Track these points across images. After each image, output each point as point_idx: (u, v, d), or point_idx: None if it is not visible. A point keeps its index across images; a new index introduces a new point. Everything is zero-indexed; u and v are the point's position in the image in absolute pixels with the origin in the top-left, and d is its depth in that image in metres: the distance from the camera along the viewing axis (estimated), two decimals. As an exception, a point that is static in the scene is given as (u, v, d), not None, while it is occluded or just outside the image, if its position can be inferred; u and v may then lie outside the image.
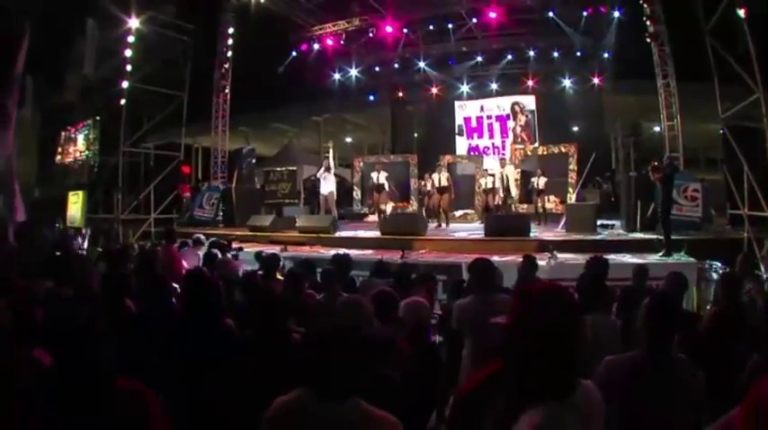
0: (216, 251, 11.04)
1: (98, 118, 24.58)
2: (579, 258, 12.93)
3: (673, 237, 13.54)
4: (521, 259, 12.88)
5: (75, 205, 23.14)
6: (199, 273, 6.10)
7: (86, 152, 25.26)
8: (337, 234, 18.44)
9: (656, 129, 25.68)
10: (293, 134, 35.15)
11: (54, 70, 22.79)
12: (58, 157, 27.38)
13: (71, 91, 24.75)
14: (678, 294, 6.96)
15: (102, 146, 24.42)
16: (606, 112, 27.23)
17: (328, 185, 20.51)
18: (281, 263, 10.73)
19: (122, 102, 22.03)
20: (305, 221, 19.27)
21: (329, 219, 18.96)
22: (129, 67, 21.96)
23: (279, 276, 9.82)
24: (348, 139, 39.17)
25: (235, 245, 15.27)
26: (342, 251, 12.94)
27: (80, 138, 25.66)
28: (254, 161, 25.53)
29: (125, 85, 21.92)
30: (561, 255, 13.43)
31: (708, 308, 9.28)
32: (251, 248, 15.94)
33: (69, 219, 22.78)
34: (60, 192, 24.75)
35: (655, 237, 14.20)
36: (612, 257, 12.53)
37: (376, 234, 17.70)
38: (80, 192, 23.36)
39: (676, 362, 3.98)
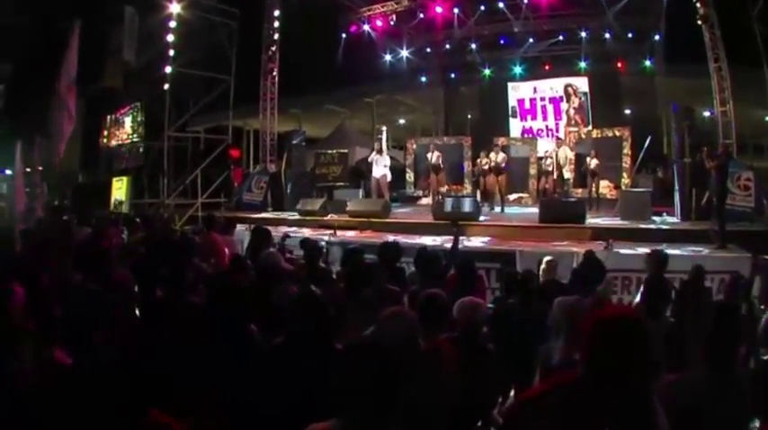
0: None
1: (141, 103, 24.74)
2: (636, 249, 12.94)
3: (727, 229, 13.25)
4: (575, 248, 13.22)
5: (120, 190, 23.47)
6: (223, 280, 6.12)
7: (133, 136, 25.40)
8: (389, 219, 18.16)
9: (706, 114, 25.30)
10: (346, 116, 34.68)
11: (95, 58, 22.78)
12: (104, 140, 27.54)
13: (113, 77, 24.80)
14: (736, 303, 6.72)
15: (147, 131, 24.50)
16: (658, 96, 26.63)
17: (380, 168, 20.35)
18: (324, 249, 10.83)
19: (165, 87, 22.13)
20: (356, 205, 19.00)
21: (381, 203, 18.77)
22: (171, 53, 22.12)
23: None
24: (401, 121, 38.66)
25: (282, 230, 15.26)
26: (393, 237, 12.96)
27: (127, 121, 25.83)
28: (303, 143, 25.24)
29: (168, 70, 22.07)
30: (616, 245, 13.23)
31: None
32: (298, 233, 15.71)
33: (114, 204, 22.95)
34: (105, 177, 25.31)
35: (709, 228, 13.89)
36: (666, 248, 12.37)
37: (429, 219, 17.53)
38: (125, 178, 23.71)
39: (740, 381, 3.84)
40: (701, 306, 8.33)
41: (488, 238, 15.41)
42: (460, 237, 13.07)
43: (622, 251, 12.95)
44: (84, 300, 5.12)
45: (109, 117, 27.09)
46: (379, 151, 20.68)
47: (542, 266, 9.04)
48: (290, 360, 4.30)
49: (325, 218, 18.56)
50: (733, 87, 19.56)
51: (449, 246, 12.39)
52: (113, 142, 26.86)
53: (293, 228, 17.63)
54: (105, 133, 27.37)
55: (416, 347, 4.34)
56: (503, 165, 19.80)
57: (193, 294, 6.08)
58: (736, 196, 15.58)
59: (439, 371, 4.45)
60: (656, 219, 16.85)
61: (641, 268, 10.43)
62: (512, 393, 6.30)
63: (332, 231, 16.06)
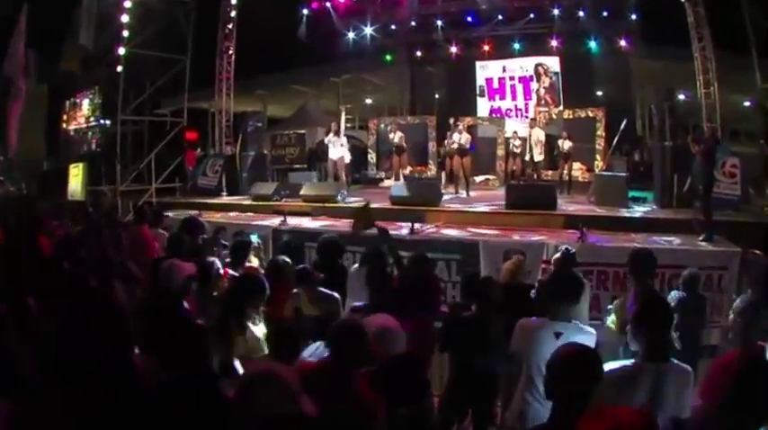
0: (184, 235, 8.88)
1: (98, 86, 23.79)
2: (612, 239, 11.80)
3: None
4: (546, 238, 11.88)
5: (76, 178, 22.16)
6: (95, 300, 5.37)
7: (90, 119, 24.53)
8: (344, 203, 16.75)
9: (681, 97, 24.73)
10: (312, 96, 33.62)
11: (55, 42, 22.71)
12: (64, 125, 26.62)
13: (71, 61, 24.10)
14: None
15: (104, 115, 23.59)
16: (634, 77, 25.75)
17: (337, 150, 19.20)
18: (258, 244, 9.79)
19: (119, 69, 21.15)
20: (310, 189, 17.61)
21: (336, 187, 17.47)
22: (125, 33, 21.05)
23: (254, 260, 8.67)
24: (368, 101, 37.78)
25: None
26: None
27: (85, 104, 24.83)
28: (260, 124, 24.06)
29: (122, 51, 21.04)
30: (591, 234, 11.91)
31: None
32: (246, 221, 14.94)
33: (70, 192, 21.82)
34: (64, 164, 24.00)
35: (693, 217, 12.57)
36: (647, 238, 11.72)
37: (386, 204, 16.05)
38: (80, 164, 22.41)
39: None
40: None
41: (449, 226, 13.90)
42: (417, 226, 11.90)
43: (599, 243, 11.59)
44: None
45: (68, 102, 26.30)
46: (336, 132, 19.55)
47: (507, 265, 7.83)
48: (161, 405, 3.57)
49: (278, 203, 17.20)
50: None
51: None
52: (72, 127, 26.04)
53: (248, 214, 16.78)
54: (65, 118, 26.58)
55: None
56: (467, 146, 18.59)
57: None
58: (722, 183, 14.29)
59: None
60: (634, 205, 15.54)
61: (620, 262, 9.64)
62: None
63: (282, 218, 14.68)
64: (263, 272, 7.24)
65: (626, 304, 6.58)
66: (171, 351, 4.00)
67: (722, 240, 11.42)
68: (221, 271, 7.21)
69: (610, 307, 7.44)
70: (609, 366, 4.05)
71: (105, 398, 3.43)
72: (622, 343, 6.07)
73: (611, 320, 6.93)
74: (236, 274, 7.36)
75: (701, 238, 11.49)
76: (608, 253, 10.89)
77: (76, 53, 23.46)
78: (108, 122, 23.32)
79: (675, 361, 4.19)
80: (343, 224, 13.55)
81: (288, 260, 7.21)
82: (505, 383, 5.87)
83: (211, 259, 7.37)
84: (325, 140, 19.73)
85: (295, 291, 6.63)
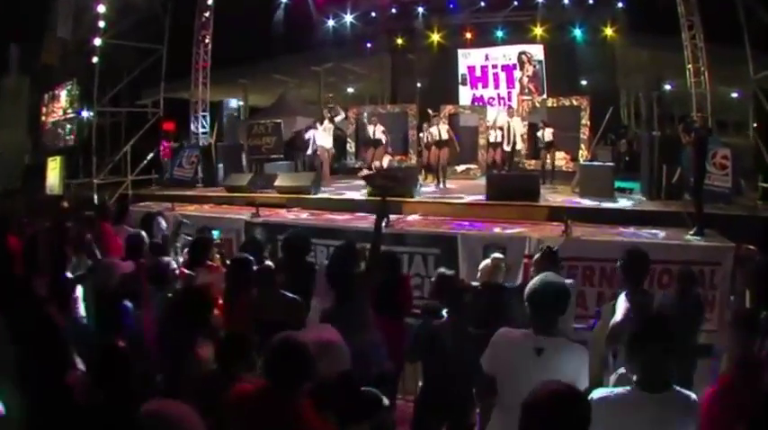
0: (141, 232, 8.19)
1: (76, 79, 22.66)
2: (599, 233, 11.24)
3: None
4: (528, 231, 11.17)
5: (54, 171, 21.47)
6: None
7: (68, 110, 23.37)
8: (319, 195, 16.13)
9: (667, 87, 24.45)
10: (294, 85, 33.07)
11: (35, 35, 22.09)
12: (43, 118, 25.64)
13: (50, 54, 23.41)
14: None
15: (81, 107, 22.59)
16: (619, 66, 25.28)
17: (329, 139, 18.69)
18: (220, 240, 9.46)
19: (95, 60, 20.44)
20: (284, 180, 16.88)
21: (310, 178, 16.67)
22: (101, 24, 20.25)
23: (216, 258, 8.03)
24: (350, 90, 37.12)
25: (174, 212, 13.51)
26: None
27: (63, 95, 23.67)
28: (236, 113, 23.44)
29: (98, 42, 20.30)
30: (577, 228, 11.20)
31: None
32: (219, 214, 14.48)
33: (49, 187, 21.12)
34: (43, 157, 23.32)
35: (683, 210, 12.07)
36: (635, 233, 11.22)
37: (363, 195, 15.42)
38: (58, 158, 21.70)
39: None
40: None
41: (427, 218, 13.26)
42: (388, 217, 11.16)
43: (584, 237, 10.93)
44: None
45: (46, 95, 25.25)
46: (331, 119, 19.23)
47: (486, 262, 7.05)
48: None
49: (252, 194, 16.38)
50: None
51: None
52: (51, 119, 25.07)
53: (222, 206, 16.08)
54: (44, 110, 25.59)
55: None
56: (445, 137, 17.99)
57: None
58: (713, 175, 13.68)
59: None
60: (621, 197, 14.97)
61: (607, 256, 9.56)
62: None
63: (254, 210, 13.96)
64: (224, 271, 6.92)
65: (615, 309, 5.84)
66: (90, 371, 3.82)
67: (714, 234, 10.85)
68: (177, 271, 6.72)
69: (598, 309, 6.70)
70: (600, 393, 3.46)
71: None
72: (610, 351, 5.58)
73: (599, 327, 6.20)
74: (193, 274, 6.84)
75: (691, 232, 10.93)
76: (594, 247, 10.33)
77: (55, 46, 22.87)
78: (88, 114, 22.53)
79: (677, 388, 3.45)
80: (320, 216, 13.29)
81: (250, 258, 6.59)
82: (482, 394, 5.07)
83: (167, 259, 6.86)
84: (322, 128, 18.97)
85: (254, 293, 6.07)
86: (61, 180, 20.89)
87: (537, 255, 7.03)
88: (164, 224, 9.76)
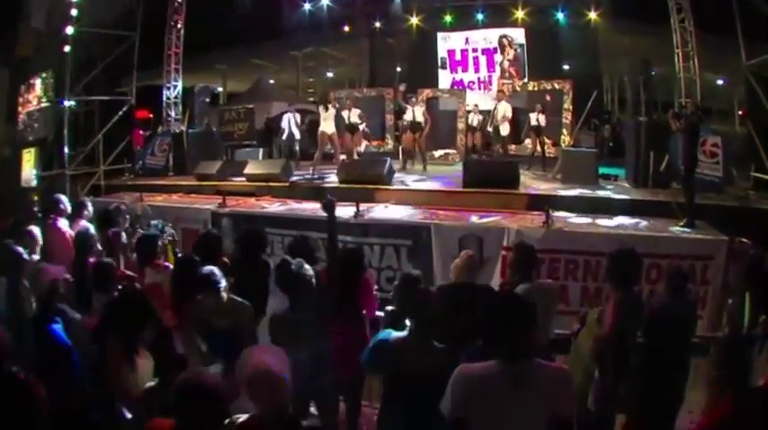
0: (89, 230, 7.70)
1: (51, 69, 22.01)
2: (581, 223, 10.69)
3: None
4: (506, 222, 10.54)
5: (29, 163, 20.80)
6: None
7: (43, 98, 22.54)
8: (288, 182, 15.29)
9: (652, 73, 23.83)
10: (273, 70, 32.69)
11: (10, 27, 21.19)
12: (20, 109, 24.70)
13: (24, 46, 22.45)
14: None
15: (56, 96, 21.61)
16: (602, 50, 24.61)
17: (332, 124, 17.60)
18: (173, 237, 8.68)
19: (66, 49, 19.75)
20: (254, 167, 16.09)
21: (280, 165, 15.80)
22: (74, 12, 19.62)
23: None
24: (329, 74, 36.70)
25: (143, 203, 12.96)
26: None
27: (38, 83, 22.82)
28: (208, 99, 22.61)
29: (70, 30, 19.62)
30: (559, 216, 10.76)
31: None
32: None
33: (24, 179, 20.42)
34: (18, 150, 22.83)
35: (672, 200, 11.46)
36: (622, 224, 10.59)
37: (334, 182, 14.73)
38: (33, 149, 21.03)
39: None
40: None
41: (401, 207, 12.52)
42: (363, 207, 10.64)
43: (566, 226, 10.40)
44: None
45: (23, 86, 24.26)
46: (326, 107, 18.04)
47: (456, 262, 6.19)
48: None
49: (222, 183, 15.68)
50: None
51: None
52: (26, 110, 24.18)
53: (192, 196, 15.36)
54: (21, 100, 24.58)
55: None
56: (421, 120, 17.32)
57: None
58: (702, 163, 12.98)
59: None
60: (606, 184, 14.38)
61: (591, 249, 9.29)
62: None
63: (221, 200, 13.34)
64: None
65: (603, 320, 5.09)
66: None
67: (705, 226, 10.30)
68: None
69: (583, 311, 5.87)
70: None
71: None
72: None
73: (583, 334, 5.40)
74: (134, 275, 6.49)
75: (681, 224, 10.36)
76: (577, 239, 9.78)
77: (30, 37, 21.99)
78: (70, 103, 21.63)
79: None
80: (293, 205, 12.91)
81: (195, 259, 6.09)
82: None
83: (109, 260, 6.37)
84: (323, 114, 17.84)
85: (199, 297, 5.46)
86: (36, 172, 20.28)
87: (512, 254, 6.28)
88: (124, 218, 8.96)
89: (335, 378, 5.31)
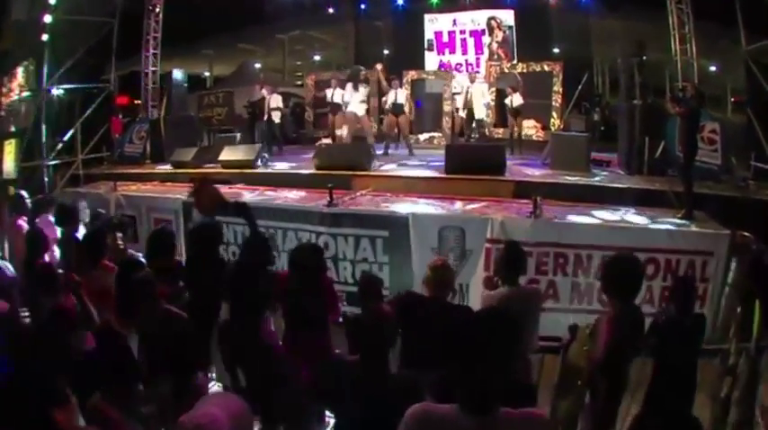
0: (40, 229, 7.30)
1: (31, 59, 21.59)
2: (573, 213, 9.93)
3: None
4: (490, 212, 9.76)
5: (10, 155, 20.16)
6: None
7: (25, 87, 21.95)
8: (264, 169, 14.68)
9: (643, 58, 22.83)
10: (260, 55, 32.53)
11: None
12: (3, 99, 24.12)
13: (6, 40, 21.82)
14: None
15: (37, 85, 21.14)
16: (593, 32, 24.01)
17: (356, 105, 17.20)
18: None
19: (44, 37, 19.41)
20: (229, 153, 15.45)
21: (255, 150, 15.18)
22: (52, 0, 19.18)
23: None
24: (316, 57, 36.12)
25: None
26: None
27: (19, 72, 22.21)
28: (186, 84, 21.69)
29: (48, 19, 19.23)
30: (547, 206, 9.91)
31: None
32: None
33: (5, 172, 19.73)
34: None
35: (669, 189, 10.75)
36: (616, 215, 9.91)
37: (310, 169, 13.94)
38: (13, 140, 20.40)
39: None
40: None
41: (378, 194, 11.73)
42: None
43: (556, 217, 9.65)
44: None
45: (5, 77, 23.60)
46: (355, 86, 17.71)
47: (428, 272, 5.24)
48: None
49: (197, 170, 15.05)
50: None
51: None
52: (7, 100, 23.47)
53: (167, 184, 14.71)
54: (3, 90, 23.82)
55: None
56: (403, 102, 17.04)
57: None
58: (701, 150, 12.11)
59: None
60: (598, 170, 13.63)
61: (582, 242, 8.80)
62: None
63: (190, 188, 12.20)
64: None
65: (596, 335, 4.36)
66: None
67: (704, 217, 9.60)
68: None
69: (573, 326, 5.04)
70: None
71: None
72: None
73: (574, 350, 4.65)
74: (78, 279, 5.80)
75: (679, 215, 9.64)
76: (568, 231, 9.11)
77: (11, 29, 21.41)
78: (58, 92, 21.27)
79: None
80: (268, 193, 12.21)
81: (141, 261, 5.75)
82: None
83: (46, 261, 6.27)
84: (344, 95, 17.64)
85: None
86: (17, 163, 19.70)
87: (499, 252, 5.55)
88: (85, 213, 8.45)
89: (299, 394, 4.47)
